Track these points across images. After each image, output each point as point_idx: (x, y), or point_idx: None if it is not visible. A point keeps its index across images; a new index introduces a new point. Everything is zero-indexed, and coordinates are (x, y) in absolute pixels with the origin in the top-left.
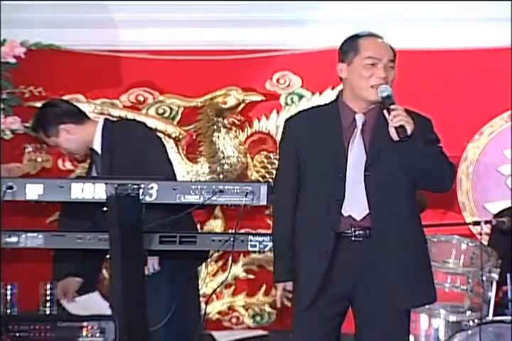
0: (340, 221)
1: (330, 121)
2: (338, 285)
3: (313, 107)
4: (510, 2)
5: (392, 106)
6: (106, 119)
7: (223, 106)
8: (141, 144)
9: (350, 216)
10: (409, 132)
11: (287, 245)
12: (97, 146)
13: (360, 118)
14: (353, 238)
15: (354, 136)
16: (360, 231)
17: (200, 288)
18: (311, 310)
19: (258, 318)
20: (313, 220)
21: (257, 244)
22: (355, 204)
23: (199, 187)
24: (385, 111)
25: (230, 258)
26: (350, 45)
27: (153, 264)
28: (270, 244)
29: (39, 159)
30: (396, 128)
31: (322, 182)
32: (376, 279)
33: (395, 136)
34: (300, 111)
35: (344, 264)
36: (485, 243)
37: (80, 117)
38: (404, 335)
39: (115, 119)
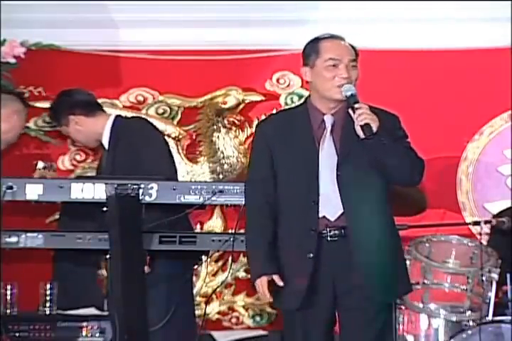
0: (318, 222)
1: (300, 123)
2: (322, 286)
3: (283, 110)
4: (510, 2)
5: (356, 105)
6: (118, 115)
7: (223, 106)
8: (141, 143)
9: (324, 216)
10: (374, 129)
11: (267, 245)
12: (105, 141)
13: (328, 119)
14: (328, 238)
15: (324, 137)
16: (336, 231)
17: (199, 287)
18: (302, 310)
19: (258, 318)
20: (292, 221)
21: None
22: (328, 205)
23: (199, 187)
24: (349, 110)
25: (230, 258)
26: (312, 49)
27: None
28: None
29: (48, 176)
30: (361, 126)
31: (297, 183)
32: (355, 277)
33: (361, 134)
34: (271, 115)
35: (325, 264)
36: (485, 243)
37: (91, 109)
38: (389, 330)
39: (128, 115)
